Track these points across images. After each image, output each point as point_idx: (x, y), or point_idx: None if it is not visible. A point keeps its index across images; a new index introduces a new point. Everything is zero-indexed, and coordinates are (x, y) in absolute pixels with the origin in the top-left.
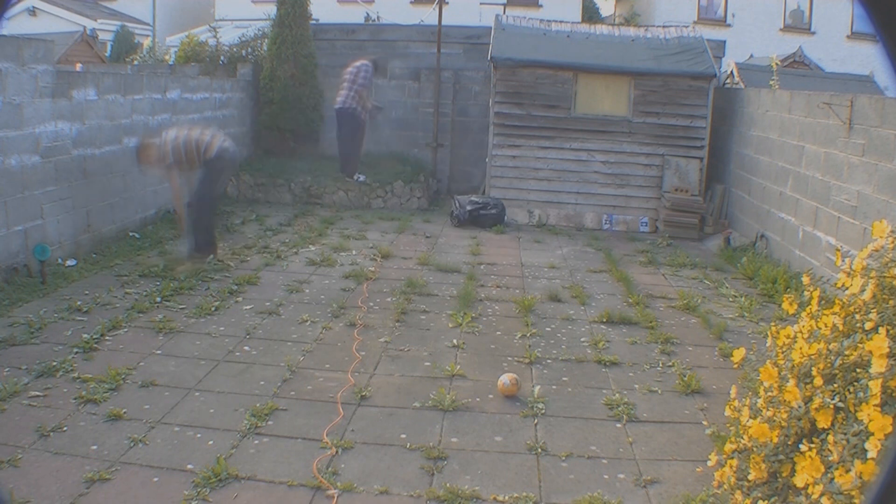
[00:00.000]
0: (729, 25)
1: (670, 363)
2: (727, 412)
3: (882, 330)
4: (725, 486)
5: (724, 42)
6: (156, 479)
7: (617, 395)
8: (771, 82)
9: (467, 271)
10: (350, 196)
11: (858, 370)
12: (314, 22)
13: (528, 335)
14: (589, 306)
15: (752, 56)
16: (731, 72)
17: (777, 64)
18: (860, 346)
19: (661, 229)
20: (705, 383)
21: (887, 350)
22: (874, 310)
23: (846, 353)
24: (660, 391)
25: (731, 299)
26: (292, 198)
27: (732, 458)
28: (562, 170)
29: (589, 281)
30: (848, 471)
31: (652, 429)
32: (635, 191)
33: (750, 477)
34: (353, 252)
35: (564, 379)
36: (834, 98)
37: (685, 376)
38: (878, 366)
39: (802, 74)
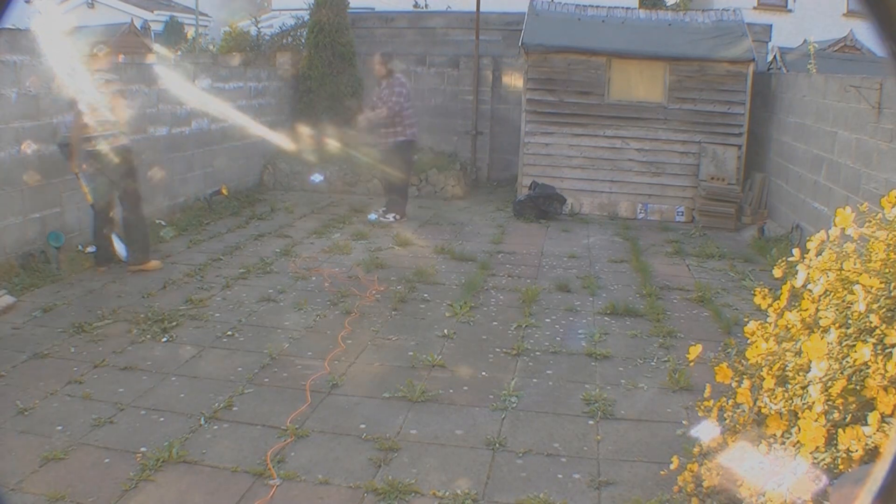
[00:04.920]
0: (790, 11)
1: (666, 358)
2: (700, 413)
3: (835, 329)
4: (684, 492)
5: (771, 26)
6: (107, 461)
7: (598, 390)
8: (809, 66)
9: (483, 260)
10: (383, 184)
11: (802, 374)
12: (354, 10)
13: (525, 326)
14: (598, 297)
15: (804, 41)
16: (776, 56)
17: (814, 47)
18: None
19: (697, 219)
20: (697, 380)
21: (826, 351)
22: (832, 307)
23: (801, 354)
24: (646, 387)
25: (752, 292)
26: (327, 185)
27: (693, 462)
28: (595, 157)
29: (606, 271)
30: None
31: (626, 427)
32: (671, 179)
33: (705, 484)
34: (371, 240)
35: (548, 372)
36: (865, 81)
37: (676, 373)
38: (818, 369)
39: (850, 59)
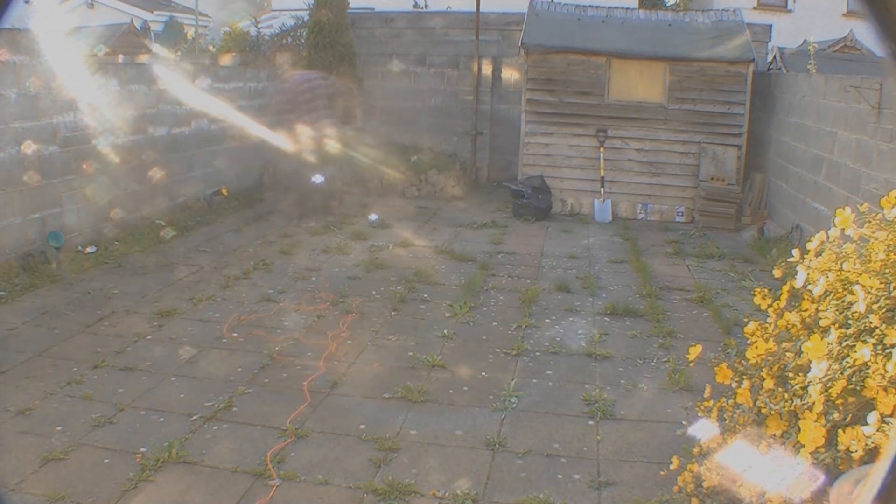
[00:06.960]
0: (790, 11)
1: (665, 359)
2: (699, 413)
3: (834, 329)
4: (684, 492)
5: (771, 26)
6: (107, 461)
7: (598, 390)
8: (809, 66)
9: (482, 260)
10: (383, 185)
11: (802, 374)
12: (354, 10)
13: (524, 326)
14: (598, 297)
15: (804, 41)
16: (776, 56)
17: (814, 47)
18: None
19: (697, 219)
20: (697, 380)
21: (826, 351)
22: (832, 307)
23: (801, 354)
24: (646, 388)
25: (752, 292)
26: (327, 186)
27: (693, 462)
28: (595, 157)
29: (606, 272)
30: None
31: (626, 427)
32: (671, 179)
33: (705, 484)
34: (371, 240)
35: (548, 372)
36: (864, 81)
37: (676, 373)
38: (818, 369)
39: (850, 59)
